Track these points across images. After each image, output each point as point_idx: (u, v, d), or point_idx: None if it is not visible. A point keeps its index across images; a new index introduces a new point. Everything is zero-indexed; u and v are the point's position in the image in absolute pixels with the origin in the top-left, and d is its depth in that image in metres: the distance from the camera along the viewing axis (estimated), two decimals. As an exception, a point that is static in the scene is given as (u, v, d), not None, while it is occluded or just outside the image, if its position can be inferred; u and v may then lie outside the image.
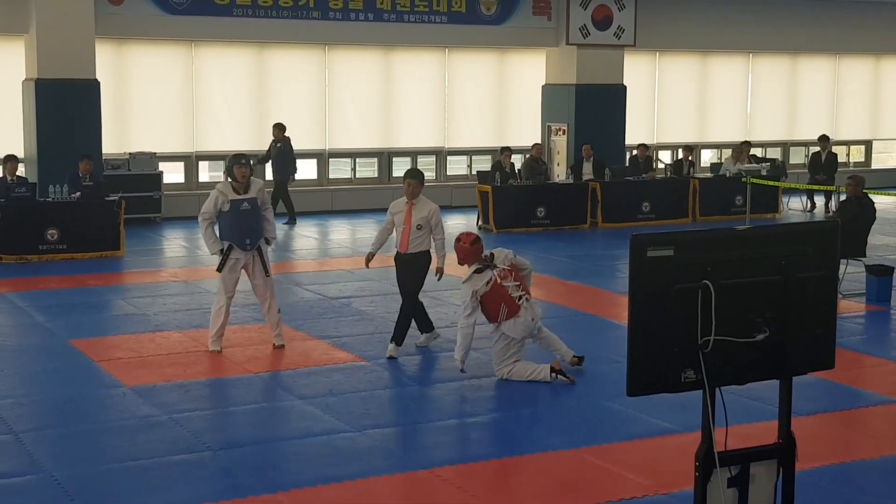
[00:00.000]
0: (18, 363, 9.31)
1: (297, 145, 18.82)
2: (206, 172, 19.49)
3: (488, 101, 21.55)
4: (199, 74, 18.96)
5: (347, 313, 11.30)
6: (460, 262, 9.04)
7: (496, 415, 7.92)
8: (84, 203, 14.71)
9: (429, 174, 21.36)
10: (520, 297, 8.79)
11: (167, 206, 18.23)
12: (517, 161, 19.39)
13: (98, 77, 17.06)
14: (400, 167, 21.09)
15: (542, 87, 21.33)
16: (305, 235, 17.27)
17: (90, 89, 16.95)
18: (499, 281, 8.74)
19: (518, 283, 8.84)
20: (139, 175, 17.86)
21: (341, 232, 17.84)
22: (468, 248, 8.88)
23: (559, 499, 6.44)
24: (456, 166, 21.68)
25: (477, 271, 8.84)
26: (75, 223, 14.51)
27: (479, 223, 18.07)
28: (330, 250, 16.16)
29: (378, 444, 7.26)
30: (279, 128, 18.01)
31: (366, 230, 18.00)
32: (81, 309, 11.32)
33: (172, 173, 18.86)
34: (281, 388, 8.59)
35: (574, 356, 9.24)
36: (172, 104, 18.86)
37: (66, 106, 16.64)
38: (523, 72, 21.59)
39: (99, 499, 6.29)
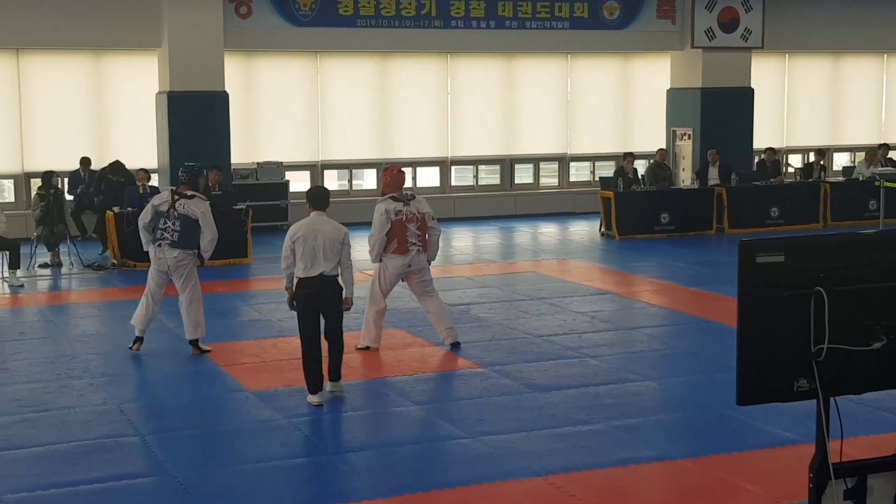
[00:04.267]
0: (147, 367, 9.61)
1: (419, 154, 19.00)
2: (331, 181, 19.80)
3: (611, 106, 21.36)
4: (323, 84, 19.30)
5: (466, 320, 11.34)
6: (385, 189, 9.81)
7: (612, 423, 7.83)
8: (213, 212, 15.06)
9: (551, 180, 21.32)
10: (412, 244, 9.61)
11: (293, 214, 18.57)
12: (640, 166, 19.17)
13: (227, 89, 17.53)
14: (522, 174, 21.10)
15: (667, 91, 21.04)
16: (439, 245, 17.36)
17: (220, 101, 17.42)
18: (404, 219, 9.57)
19: (420, 233, 9.65)
20: (266, 184, 18.25)
21: (463, 239, 17.91)
22: (395, 174, 9.79)
23: (675, 509, 6.35)
24: (578, 172, 21.55)
25: (393, 198, 9.64)
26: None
27: (602, 229, 17.92)
28: (452, 257, 16.23)
29: (492, 450, 7.25)
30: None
31: (488, 237, 18.05)
32: (209, 314, 11.56)
33: (298, 182, 19.21)
34: (397, 394, 8.67)
35: (454, 341, 9.91)
36: (298, 114, 19.23)
37: (196, 117, 17.14)
38: (647, 76, 21.34)
39: (220, 500, 6.44)
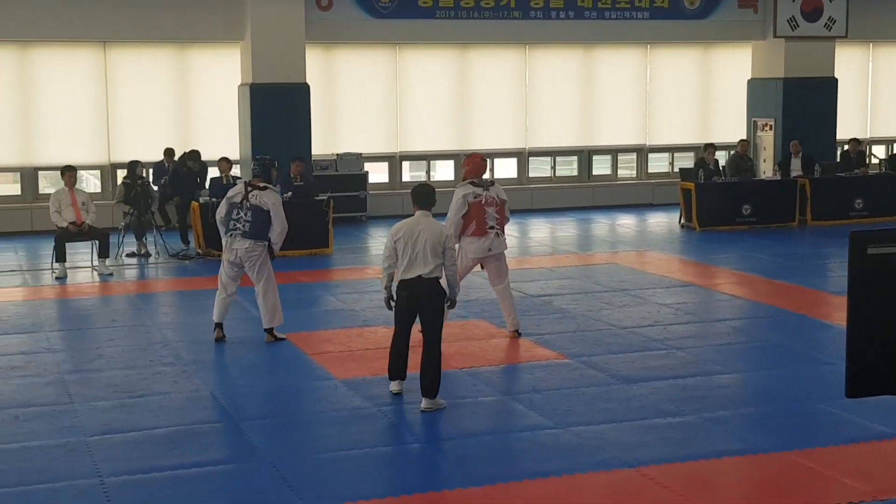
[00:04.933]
0: (237, 354, 9.78)
1: (496, 145, 19.00)
2: (409, 172, 19.91)
3: (691, 96, 21.17)
4: (402, 76, 19.39)
5: (549, 311, 11.34)
6: (466, 175, 9.92)
7: (702, 415, 7.79)
8: (295, 203, 15.28)
9: (629, 172, 21.20)
10: (490, 227, 9.74)
11: (372, 205, 18.73)
12: (721, 157, 18.97)
13: (308, 81, 17.70)
14: (600, 166, 21.00)
15: (748, 81, 20.79)
16: (506, 234, 17.36)
17: (301, 93, 17.60)
18: (483, 202, 9.70)
19: (498, 217, 9.80)
20: (346, 175, 18.41)
21: (541, 230, 17.90)
22: (478, 161, 9.91)
23: (769, 501, 6.31)
24: (657, 164, 21.40)
25: (472, 184, 9.76)
26: (288, 222, 15.00)
27: (682, 221, 17.78)
28: (530, 248, 16.24)
29: (582, 441, 7.27)
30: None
31: (565, 228, 18.02)
32: (294, 304, 11.76)
33: (377, 173, 19.36)
34: (484, 384, 8.71)
35: (515, 331, 10.06)
36: (377, 106, 19.35)
37: (278, 109, 17.34)
38: (728, 66, 21.11)
39: (313, 486, 6.54)
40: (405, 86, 19.44)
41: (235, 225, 9.76)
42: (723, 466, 6.85)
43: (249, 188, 9.81)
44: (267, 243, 9.85)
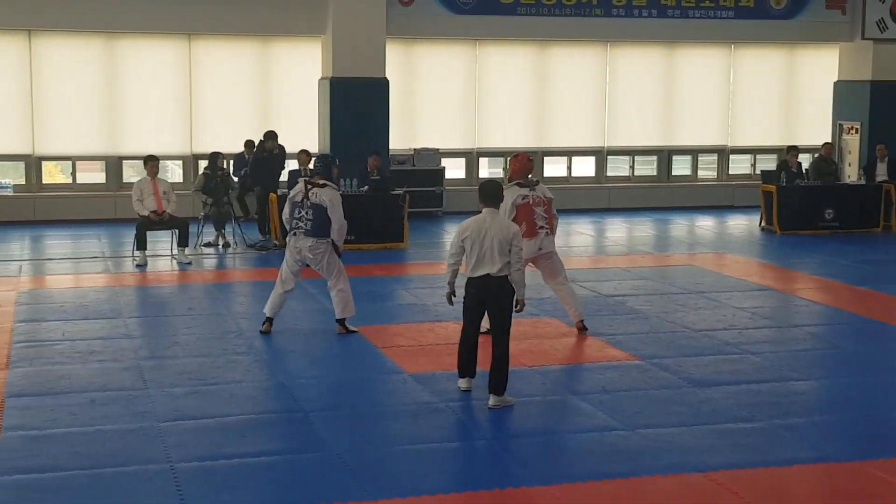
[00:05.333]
0: (309, 346, 9.86)
1: (574, 143, 18.93)
2: (486, 169, 19.89)
3: (775, 97, 20.84)
4: (481, 72, 19.38)
5: (622, 311, 11.25)
6: (513, 175, 9.93)
7: (774, 421, 7.65)
8: (371, 197, 15.38)
9: (710, 173, 20.93)
10: (540, 227, 9.76)
11: (448, 200, 18.75)
12: (804, 160, 18.63)
13: (387, 75, 17.78)
14: (680, 166, 20.77)
15: (834, 83, 20.39)
16: (581, 232, 17.31)
17: (380, 87, 17.69)
18: (531, 202, 9.71)
19: (546, 216, 9.82)
20: (423, 170, 18.47)
21: (618, 230, 17.76)
22: (525, 161, 9.89)
23: (841, 513, 6.18)
24: (739, 165, 21.09)
25: (519, 185, 9.76)
26: (363, 216, 15.17)
27: (762, 224, 17.50)
28: (606, 248, 16.12)
29: (650, 443, 7.19)
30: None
31: (643, 229, 17.85)
32: (367, 297, 11.84)
33: (454, 169, 19.38)
34: (553, 383, 8.67)
35: (581, 322, 10.10)
36: (455, 101, 19.37)
37: (357, 103, 17.44)
38: (813, 68, 20.74)
39: (378, 479, 6.56)
40: (484, 82, 19.42)
41: (298, 224, 9.86)
42: (794, 475, 6.73)
43: (309, 186, 9.89)
44: (330, 240, 9.91)
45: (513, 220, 9.50)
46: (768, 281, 13.29)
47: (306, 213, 9.82)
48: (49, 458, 6.79)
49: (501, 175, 19.71)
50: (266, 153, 16.14)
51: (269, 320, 10.19)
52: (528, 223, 9.70)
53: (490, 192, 8.09)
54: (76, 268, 13.83)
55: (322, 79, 18.01)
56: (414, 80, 19.11)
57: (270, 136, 16.21)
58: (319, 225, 9.82)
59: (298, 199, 9.90)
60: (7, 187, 17.83)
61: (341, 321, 10.16)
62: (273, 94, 18.56)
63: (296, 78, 18.47)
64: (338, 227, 9.85)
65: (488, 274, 7.86)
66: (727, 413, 7.87)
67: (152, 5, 17.31)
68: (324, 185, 9.89)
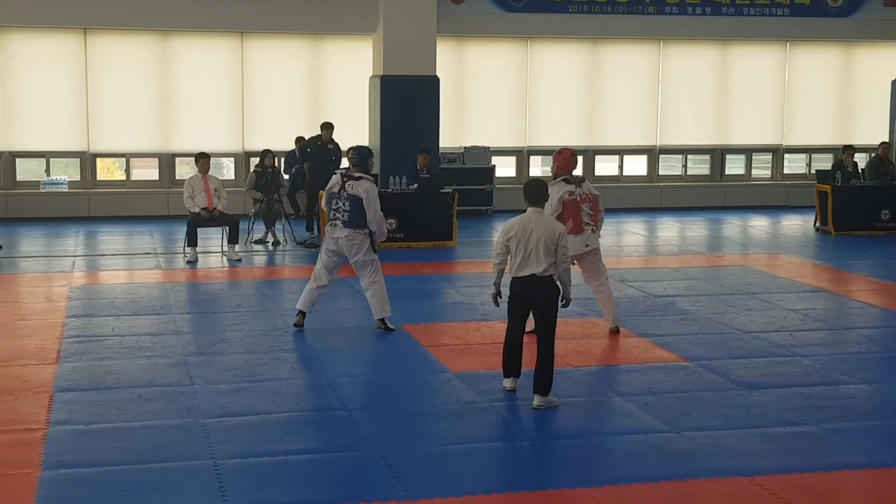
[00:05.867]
0: (355, 344, 9.87)
1: (626, 142, 18.79)
2: (537, 167, 19.81)
3: (831, 96, 20.54)
4: (532, 70, 19.31)
5: (671, 312, 11.14)
6: (558, 171, 9.86)
7: (824, 426, 7.52)
8: (420, 195, 15.38)
9: (764, 172, 20.68)
10: (587, 224, 9.73)
11: (498, 199, 18.70)
12: (860, 160, 18.33)
13: (438, 73, 17.77)
14: (733, 165, 20.55)
15: (892, 82, 20.04)
16: (633, 232, 17.17)
17: (431, 85, 17.68)
18: (578, 199, 9.69)
19: (592, 213, 9.78)
20: (473, 169, 18.44)
21: (669, 230, 17.60)
22: (569, 157, 9.88)
23: (890, 520, 6.06)
24: (794, 164, 20.82)
25: (565, 180, 9.72)
26: (412, 213, 15.19)
27: (817, 224, 17.25)
28: (657, 248, 15.98)
29: (696, 446, 7.10)
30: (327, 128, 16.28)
31: (695, 228, 17.67)
32: (414, 295, 11.83)
33: (504, 167, 19.33)
34: (599, 384, 8.60)
35: (615, 328, 10.02)
36: (506, 100, 19.32)
37: (407, 101, 17.46)
38: (871, 66, 20.41)
39: (420, 478, 6.54)
40: (535, 80, 19.35)
41: (335, 215, 9.94)
42: (843, 480, 6.60)
43: (346, 178, 9.93)
44: (367, 231, 9.92)
45: (559, 217, 9.47)
46: (821, 282, 13.09)
47: (343, 204, 9.87)
48: (95, 453, 6.85)
49: (551, 174, 19.65)
50: (322, 144, 16.10)
51: (302, 314, 10.24)
52: (574, 219, 9.66)
53: (535, 191, 8.03)
54: (128, 264, 13.98)
55: (373, 77, 18.04)
56: (464, 78, 19.09)
57: (327, 126, 16.19)
58: (356, 216, 9.85)
59: (335, 190, 9.95)
60: (62, 184, 18.09)
61: (382, 320, 10.18)
62: (324, 92, 18.63)
63: (347, 76, 18.53)
64: (372, 216, 9.87)
65: (533, 274, 7.81)
66: (776, 416, 7.75)
67: (206, 4, 17.47)
68: (360, 178, 9.92)
